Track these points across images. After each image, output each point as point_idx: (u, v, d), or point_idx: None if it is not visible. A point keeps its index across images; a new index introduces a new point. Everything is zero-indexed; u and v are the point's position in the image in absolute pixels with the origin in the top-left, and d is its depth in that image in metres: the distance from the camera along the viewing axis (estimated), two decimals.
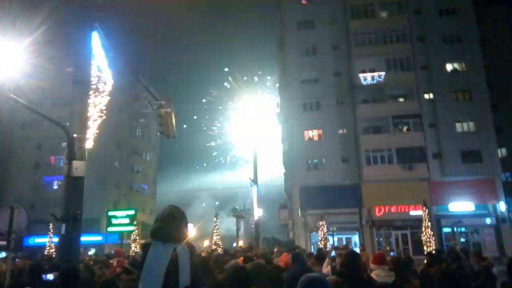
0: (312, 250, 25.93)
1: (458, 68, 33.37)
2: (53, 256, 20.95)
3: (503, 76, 37.50)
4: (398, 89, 33.16)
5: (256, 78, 37.13)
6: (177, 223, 2.98)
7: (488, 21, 38.18)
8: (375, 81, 33.02)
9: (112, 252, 23.40)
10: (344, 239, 31.48)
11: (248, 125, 25.72)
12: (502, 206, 30.01)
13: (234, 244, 33.76)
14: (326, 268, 7.34)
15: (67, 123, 7.38)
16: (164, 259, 2.85)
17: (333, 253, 10.39)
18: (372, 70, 33.33)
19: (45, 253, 26.88)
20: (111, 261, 12.04)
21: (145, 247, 2.99)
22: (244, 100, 26.33)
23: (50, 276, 5.31)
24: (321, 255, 8.01)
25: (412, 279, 6.09)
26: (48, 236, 30.06)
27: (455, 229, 30.61)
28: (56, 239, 27.01)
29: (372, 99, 33.73)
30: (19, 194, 40.15)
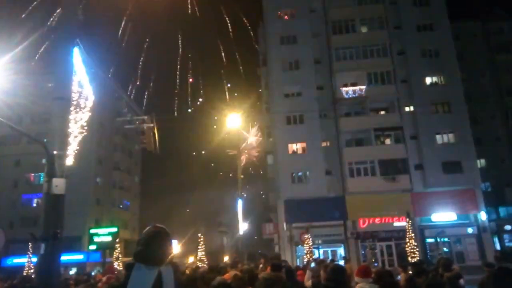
0: (298, 264, 25.82)
1: (437, 81, 34.24)
2: (32, 277, 20.28)
3: (480, 89, 38.63)
4: (379, 102, 33.75)
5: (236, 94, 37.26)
6: (161, 245, 2.92)
7: (464, 36, 39.46)
8: (356, 95, 33.57)
9: (93, 272, 22.82)
10: (329, 251, 31.47)
11: (233, 140, 25.73)
12: (483, 216, 30.56)
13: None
14: (307, 282, 7.30)
15: (46, 139, 7.24)
16: (148, 281, 2.79)
17: (312, 264, 10.36)
18: (354, 84, 33.90)
19: (24, 273, 25.99)
20: (102, 277, 11.73)
21: (128, 268, 2.92)
22: (228, 115, 26.34)
23: None
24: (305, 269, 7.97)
25: None
26: (27, 256, 29.12)
27: (438, 239, 30.99)
28: (35, 259, 26.19)
29: (354, 112, 34.24)
30: None
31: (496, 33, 41.52)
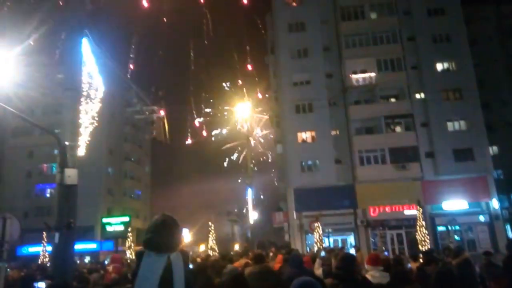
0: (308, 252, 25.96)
1: (448, 68, 33.68)
2: (47, 265, 20.74)
3: (492, 75, 37.89)
4: (389, 89, 33.37)
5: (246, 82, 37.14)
6: (170, 232, 2.96)
7: (476, 20, 38.59)
8: (366, 82, 33.22)
9: (106, 261, 23.21)
10: (339, 240, 31.55)
11: (243, 129, 25.77)
12: (495, 204, 30.24)
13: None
14: (318, 270, 7.34)
15: (58, 130, 7.33)
16: (158, 268, 2.84)
17: (322, 253, 10.43)
18: (363, 71, 33.52)
19: (39, 262, 26.58)
20: (107, 267, 11.95)
21: (138, 256, 2.97)
22: (238, 105, 26.34)
23: (41, 285, 5.26)
24: (314, 257, 8.01)
25: (414, 282, 6.09)
26: (42, 245, 29.71)
27: (449, 227, 30.81)
28: (50, 248, 26.71)
29: (364, 100, 33.91)
30: (11, 202, 39.71)
31: (509, 17, 40.52)
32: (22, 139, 44.87)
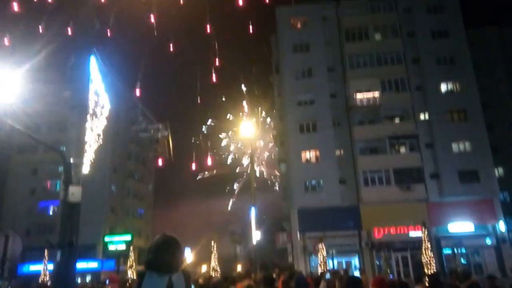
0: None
1: (453, 89, 33.78)
2: (48, 284, 20.52)
3: (497, 96, 37.95)
4: (393, 110, 33.41)
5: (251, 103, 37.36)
6: (171, 252, 2.91)
7: (480, 42, 38.89)
8: (370, 102, 33.31)
9: (108, 281, 22.91)
10: (344, 262, 31.06)
11: (246, 149, 25.77)
12: (501, 226, 29.80)
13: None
14: None
15: (63, 147, 7.36)
16: None
17: (327, 276, 10.28)
18: (368, 91, 33.66)
19: (40, 281, 26.29)
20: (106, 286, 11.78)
21: (140, 277, 2.93)
22: (242, 125, 26.34)
23: None
24: (318, 280, 7.89)
25: None
26: (43, 263, 29.44)
27: (455, 250, 30.30)
28: (51, 266, 26.47)
29: (368, 120, 33.92)
30: (14, 219, 39.60)
31: None
32: (27, 156, 44.98)
